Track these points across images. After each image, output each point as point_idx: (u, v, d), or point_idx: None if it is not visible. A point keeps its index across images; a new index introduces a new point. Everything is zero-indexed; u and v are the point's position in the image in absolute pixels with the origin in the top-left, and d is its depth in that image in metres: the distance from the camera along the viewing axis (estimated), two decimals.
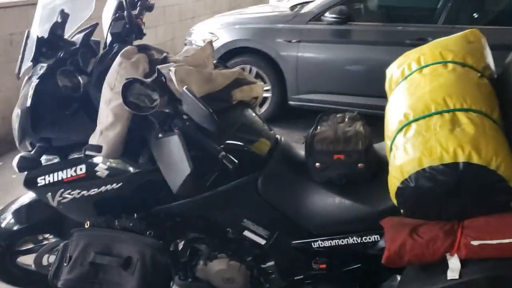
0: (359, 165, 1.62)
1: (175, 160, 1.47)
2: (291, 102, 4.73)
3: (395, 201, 1.41)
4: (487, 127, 1.33)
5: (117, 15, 1.80)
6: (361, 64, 4.37)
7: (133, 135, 1.60)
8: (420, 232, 1.38)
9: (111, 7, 1.86)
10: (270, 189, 1.71)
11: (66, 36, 1.81)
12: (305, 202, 1.70)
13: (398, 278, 1.61)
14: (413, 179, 1.32)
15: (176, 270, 1.73)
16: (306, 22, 4.56)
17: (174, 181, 1.49)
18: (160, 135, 1.51)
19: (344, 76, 4.45)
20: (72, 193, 1.69)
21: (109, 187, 1.65)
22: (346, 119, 1.77)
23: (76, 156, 1.68)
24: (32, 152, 1.63)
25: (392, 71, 1.73)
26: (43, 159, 1.73)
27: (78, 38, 1.80)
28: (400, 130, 1.44)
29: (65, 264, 1.64)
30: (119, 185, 1.65)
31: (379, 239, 1.61)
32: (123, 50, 1.59)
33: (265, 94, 4.81)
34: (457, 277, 1.30)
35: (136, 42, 1.82)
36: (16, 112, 1.69)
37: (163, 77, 1.47)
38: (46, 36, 1.70)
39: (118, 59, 1.56)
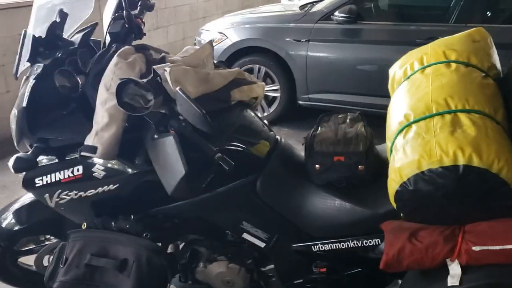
0: (359, 167, 1.58)
1: (170, 161, 1.44)
2: (300, 102, 4.69)
3: (394, 205, 1.37)
4: (489, 129, 1.28)
5: (116, 14, 1.78)
6: (371, 63, 4.31)
7: (129, 136, 1.58)
8: (420, 236, 1.34)
9: (111, 7, 1.85)
10: (269, 191, 1.68)
11: (65, 36, 1.80)
12: (305, 204, 1.67)
13: (400, 283, 1.57)
14: (412, 182, 1.28)
15: (173, 272, 1.71)
16: (315, 22, 4.52)
17: (169, 183, 1.47)
18: (155, 136, 1.49)
19: (353, 76, 4.40)
20: (69, 194, 1.67)
21: (106, 188, 1.63)
22: (348, 120, 1.74)
23: (73, 156, 1.66)
24: (28, 153, 1.62)
25: (395, 71, 1.70)
26: (41, 159, 1.72)
27: (77, 38, 1.79)
28: (400, 131, 1.40)
29: (61, 266, 1.63)
30: (116, 186, 1.63)
31: (380, 243, 1.57)
32: (120, 50, 1.57)
33: (274, 94, 4.78)
34: (457, 283, 1.26)
35: (137, 43, 1.81)
36: (14, 112, 1.68)
37: (158, 78, 1.45)
38: (43, 35, 1.68)
39: (114, 59, 1.54)
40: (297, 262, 1.75)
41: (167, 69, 1.43)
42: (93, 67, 1.61)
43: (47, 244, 2.13)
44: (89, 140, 1.51)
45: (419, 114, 1.38)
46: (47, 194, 1.71)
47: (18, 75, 1.69)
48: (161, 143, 1.48)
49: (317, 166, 1.62)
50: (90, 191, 1.65)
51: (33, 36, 1.62)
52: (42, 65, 1.65)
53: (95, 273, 1.60)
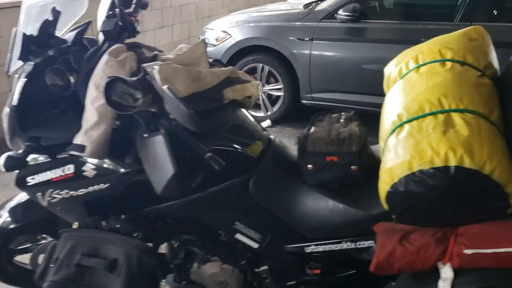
0: (352, 167, 1.55)
1: (159, 161, 1.43)
2: (303, 101, 4.66)
3: (385, 206, 1.35)
4: (483, 129, 1.25)
5: (110, 12, 1.77)
6: (375, 62, 4.26)
7: (121, 135, 1.57)
8: (411, 239, 1.31)
9: (105, 5, 1.83)
10: (261, 191, 1.66)
11: (59, 34, 1.79)
12: (298, 205, 1.65)
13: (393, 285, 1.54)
14: (402, 183, 1.26)
15: (164, 272, 1.70)
16: (319, 20, 4.48)
17: (158, 182, 1.46)
18: (145, 135, 1.48)
19: (357, 75, 4.36)
20: (60, 193, 1.67)
21: (96, 187, 1.62)
22: (342, 120, 1.71)
23: (65, 155, 1.65)
24: (20, 151, 1.61)
25: (390, 70, 1.67)
26: (34, 158, 1.71)
27: (70, 36, 1.78)
28: (393, 131, 1.37)
29: (51, 265, 1.62)
30: (107, 185, 1.62)
31: (374, 245, 1.55)
32: (111, 48, 1.56)
33: (278, 93, 4.76)
34: (448, 287, 1.23)
35: (131, 41, 1.79)
36: (6, 110, 1.67)
37: (148, 76, 1.43)
38: (35, 34, 1.67)
39: (104, 57, 1.53)
40: (291, 263, 1.73)
41: (156, 67, 1.41)
42: (84, 65, 1.60)
43: (43, 243, 2.13)
44: (78, 139, 1.50)
45: (412, 114, 1.35)
46: (39, 193, 1.70)
47: (10, 73, 1.68)
48: (150, 142, 1.46)
49: (309, 166, 1.59)
50: (81, 190, 1.64)
51: (24, 34, 1.60)
52: (33, 63, 1.64)
53: (86, 273, 1.59)
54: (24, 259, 2.19)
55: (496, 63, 1.56)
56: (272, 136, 1.81)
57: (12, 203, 2.05)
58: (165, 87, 1.34)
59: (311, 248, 1.66)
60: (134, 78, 1.40)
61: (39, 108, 1.64)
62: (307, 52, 4.48)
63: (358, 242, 1.58)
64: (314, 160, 1.58)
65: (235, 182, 1.64)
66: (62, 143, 1.65)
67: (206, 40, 5.02)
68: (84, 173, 1.62)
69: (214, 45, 4.87)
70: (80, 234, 1.65)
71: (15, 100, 1.59)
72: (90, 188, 1.63)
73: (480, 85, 1.40)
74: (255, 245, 1.73)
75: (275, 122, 4.77)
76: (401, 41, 4.11)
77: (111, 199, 1.66)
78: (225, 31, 4.88)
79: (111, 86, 1.36)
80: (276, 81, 4.73)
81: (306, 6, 4.87)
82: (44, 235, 2.15)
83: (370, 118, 1.71)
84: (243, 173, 1.66)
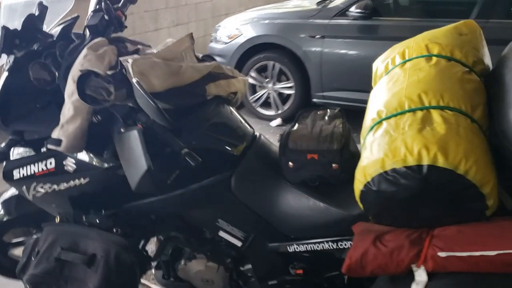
0: (333, 165, 1.51)
1: (134, 156, 1.41)
2: (314, 100, 4.61)
3: (361, 206, 1.30)
4: (462, 127, 1.20)
5: (97, 7, 1.76)
6: None
7: (101, 130, 1.56)
8: (385, 240, 1.26)
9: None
10: (243, 188, 1.63)
11: (46, 29, 1.79)
12: (279, 203, 1.61)
13: None
14: (375, 183, 1.21)
15: (143, 269, 1.68)
16: (331, 17, 4.42)
17: (132, 178, 1.44)
18: (122, 130, 1.46)
19: (369, 73, 4.25)
20: (44, 187, 1.67)
21: (77, 182, 1.62)
22: (326, 117, 1.66)
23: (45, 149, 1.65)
24: (2, 145, 1.62)
25: (377, 65, 1.62)
26: (20, 152, 1.72)
27: (57, 30, 1.78)
28: (371, 128, 1.33)
29: (32, 259, 1.62)
30: (87, 180, 1.61)
31: None
32: (91, 42, 1.55)
33: (288, 91, 4.71)
34: None
35: (117, 36, 1.78)
36: None
37: (124, 70, 1.42)
38: (20, 28, 1.68)
39: (84, 51, 1.52)
40: (274, 262, 1.70)
41: (130, 60, 1.40)
42: (66, 59, 1.59)
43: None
44: (55, 133, 1.50)
45: (392, 110, 1.30)
46: (24, 187, 1.71)
47: None
48: (126, 137, 1.45)
49: (290, 163, 1.55)
50: (62, 184, 1.64)
51: (7, 28, 1.61)
52: (14, 57, 1.64)
53: (64, 267, 1.58)
54: (20, 252, 2.21)
55: (487, 59, 1.50)
56: (257, 133, 1.77)
57: (6, 196, 2.07)
58: (134, 80, 1.32)
59: (294, 247, 1.62)
60: (109, 72, 1.39)
61: (22, 102, 1.65)
62: (318, 49, 4.43)
63: (340, 243, 1.54)
64: (294, 158, 1.54)
65: (216, 179, 1.62)
66: (46, 137, 1.65)
67: (218, 38, 5.01)
68: (65, 168, 1.62)
69: (226, 43, 4.85)
70: (61, 228, 1.64)
71: None
72: (71, 183, 1.63)
73: (465, 81, 1.34)
74: (238, 243, 1.70)
75: (286, 120, 4.73)
76: None
77: (93, 194, 1.65)
78: (238, 29, 4.86)
79: (84, 80, 1.34)
80: (287, 79, 4.69)
81: (319, 3, 4.81)
82: (37, 228, 2.16)
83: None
84: (225, 170, 1.63)
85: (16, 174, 1.70)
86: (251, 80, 4.80)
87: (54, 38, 1.74)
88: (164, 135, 1.43)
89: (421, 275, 1.20)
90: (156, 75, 1.45)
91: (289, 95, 4.72)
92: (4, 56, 1.67)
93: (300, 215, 1.58)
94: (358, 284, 1.63)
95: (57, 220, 1.67)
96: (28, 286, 1.60)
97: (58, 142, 1.47)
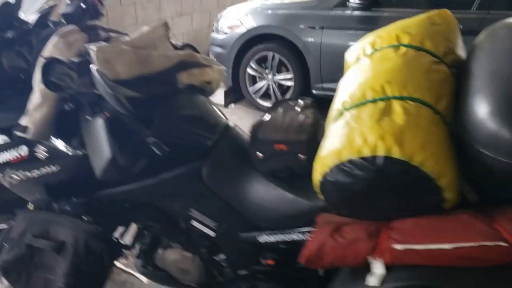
0: (301, 156, 1.49)
1: (99, 144, 1.42)
2: (314, 91, 4.57)
3: (320, 197, 1.29)
4: (423, 118, 1.17)
5: None
6: None
7: (72, 117, 1.56)
8: (344, 232, 1.25)
9: None
10: (214, 178, 1.63)
11: (24, 17, 1.80)
12: (249, 193, 1.60)
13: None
14: (333, 173, 1.20)
15: (113, 257, 1.69)
16: (331, 8, 4.38)
17: (97, 166, 1.44)
18: (88, 117, 1.46)
19: None
20: (18, 174, 1.68)
21: (49, 169, 1.63)
22: (298, 107, 1.65)
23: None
24: None
25: (349, 56, 1.60)
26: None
27: (34, 18, 1.78)
28: (335, 119, 1.31)
29: (6, 245, 1.64)
30: (58, 168, 1.62)
31: None
32: (61, 30, 1.55)
33: (288, 83, 4.68)
34: (376, 284, 1.17)
35: (91, 24, 1.78)
36: None
37: (89, 57, 1.42)
38: None
39: (53, 38, 1.52)
40: (246, 252, 1.69)
41: (94, 47, 1.39)
42: (37, 47, 1.59)
43: None
44: (23, 120, 1.50)
45: (355, 101, 1.28)
46: (1, 174, 1.72)
47: None
48: (92, 125, 1.45)
49: (259, 154, 1.54)
50: (35, 172, 1.65)
51: None
52: None
53: (35, 254, 1.60)
54: None
55: (460, 50, 1.47)
56: (230, 123, 1.76)
57: None
58: (93, 67, 1.32)
59: (264, 238, 1.61)
60: (74, 59, 1.39)
61: None
62: (318, 40, 4.39)
63: (306, 234, 1.53)
64: (262, 148, 1.53)
65: (187, 168, 1.62)
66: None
67: (219, 28, 4.99)
68: (36, 155, 1.63)
69: (226, 33, 4.84)
70: (33, 215, 1.66)
71: None
72: (43, 170, 1.64)
73: (432, 71, 1.31)
74: (211, 233, 1.70)
75: None
76: None
77: (65, 181, 1.66)
78: (239, 19, 4.84)
79: (48, 67, 1.35)
80: (287, 70, 4.66)
81: None
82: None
83: None
84: (196, 160, 1.62)
85: None
86: (251, 71, 4.78)
87: (31, 26, 1.74)
88: (130, 123, 1.43)
89: (378, 268, 1.18)
90: (122, 62, 1.44)
91: (288, 87, 4.69)
92: None
93: (269, 206, 1.57)
94: (328, 277, 1.63)
95: (31, 207, 1.68)
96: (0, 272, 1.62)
97: (25, 129, 1.48)
